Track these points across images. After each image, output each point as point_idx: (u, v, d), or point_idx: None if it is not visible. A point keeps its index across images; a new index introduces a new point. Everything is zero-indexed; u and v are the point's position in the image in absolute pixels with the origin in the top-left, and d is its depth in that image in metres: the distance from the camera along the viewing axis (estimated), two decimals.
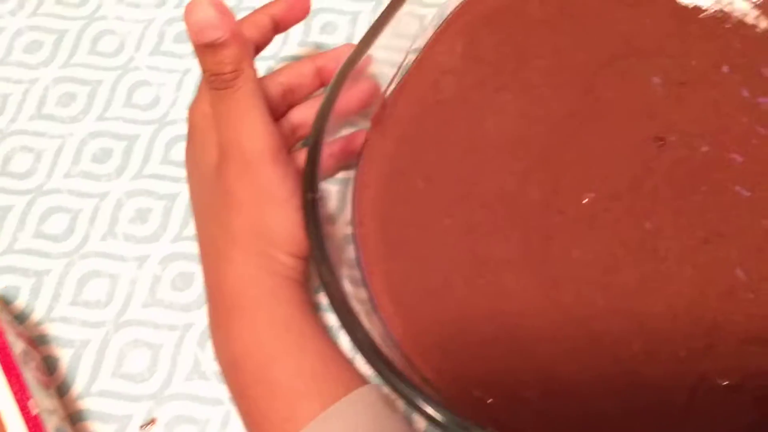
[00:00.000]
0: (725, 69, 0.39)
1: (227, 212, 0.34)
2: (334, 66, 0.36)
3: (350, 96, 0.36)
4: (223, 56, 0.32)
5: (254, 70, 0.34)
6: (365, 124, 0.38)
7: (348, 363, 0.34)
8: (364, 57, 0.36)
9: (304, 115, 0.37)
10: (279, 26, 0.37)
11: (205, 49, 0.33)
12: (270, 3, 0.37)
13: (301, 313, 0.34)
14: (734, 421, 0.32)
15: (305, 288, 0.35)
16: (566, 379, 0.33)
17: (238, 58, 0.33)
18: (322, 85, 0.38)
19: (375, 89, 0.37)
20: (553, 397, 0.33)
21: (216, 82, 0.33)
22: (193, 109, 0.36)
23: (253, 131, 0.33)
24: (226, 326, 0.34)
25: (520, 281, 0.35)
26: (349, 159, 0.37)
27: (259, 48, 0.36)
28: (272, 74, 0.38)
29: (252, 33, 0.36)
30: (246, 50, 0.33)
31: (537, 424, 0.32)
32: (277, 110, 0.37)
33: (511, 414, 0.32)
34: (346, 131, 0.37)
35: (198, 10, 0.32)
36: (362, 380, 0.34)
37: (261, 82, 0.35)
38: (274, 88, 0.37)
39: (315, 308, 0.36)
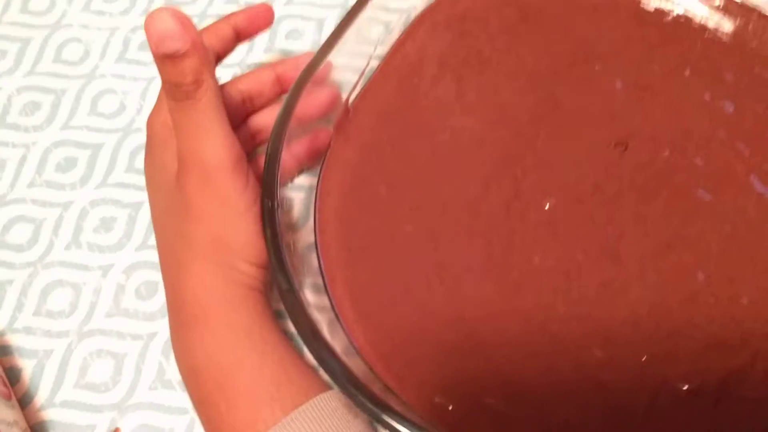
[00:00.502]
0: (687, 73, 0.39)
1: (187, 223, 0.34)
2: (294, 73, 0.36)
3: (310, 103, 0.36)
4: (183, 67, 0.32)
5: (215, 81, 0.33)
6: (328, 128, 0.38)
7: (310, 370, 0.34)
8: (323, 64, 0.35)
9: (263, 121, 0.38)
10: (241, 36, 0.37)
11: (165, 60, 0.32)
12: (233, 13, 0.37)
13: (262, 321, 0.34)
14: (694, 425, 0.32)
15: (266, 296, 0.35)
16: (527, 385, 0.33)
17: (198, 69, 0.32)
18: (282, 92, 0.38)
19: (336, 96, 0.37)
20: (514, 404, 0.33)
21: (176, 93, 0.33)
22: (152, 118, 0.36)
23: (213, 143, 0.33)
24: (187, 336, 0.34)
25: (482, 287, 0.35)
26: (313, 159, 0.37)
27: (220, 57, 0.36)
28: (232, 81, 0.37)
29: (213, 43, 0.35)
30: (207, 61, 0.33)
31: (498, 431, 0.32)
32: (237, 117, 0.37)
33: (472, 420, 0.32)
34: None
35: (158, 21, 0.31)
36: (324, 386, 0.34)
37: (221, 90, 0.35)
38: (234, 95, 0.37)
39: (276, 316, 0.36)
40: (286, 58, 0.40)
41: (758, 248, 0.35)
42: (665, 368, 0.33)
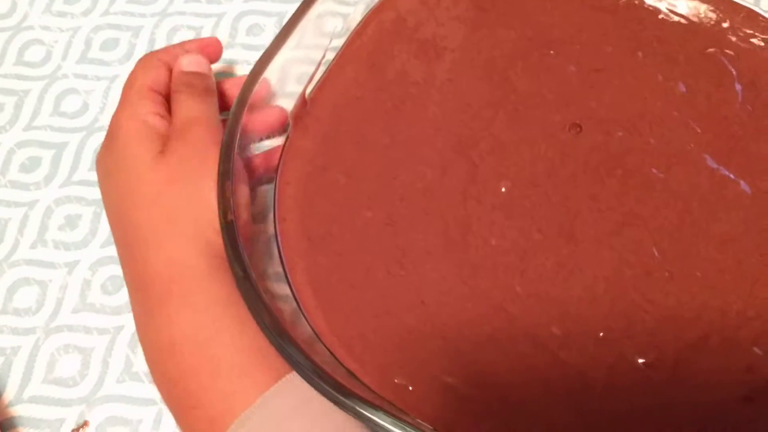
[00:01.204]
0: (640, 55, 0.40)
1: (162, 197, 0.34)
2: (235, 93, 0.38)
3: (254, 123, 0.36)
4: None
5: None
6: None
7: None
8: (258, 84, 0.36)
9: None
10: None
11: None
12: (187, 41, 0.40)
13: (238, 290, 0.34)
14: (651, 398, 0.33)
15: None
16: (487, 363, 0.33)
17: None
18: (225, 109, 0.39)
19: (281, 115, 0.38)
20: (474, 382, 0.33)
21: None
22: (119, 115, 0.37)
23: (211, 122, 0.37)
24: (160, 313, 0.33)
25: (440, 270, 0.35)
26: (270, 171, 0.38)
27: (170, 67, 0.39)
28: None
29: (168, 61, 0.39)
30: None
31: (458, 409, 0.33)
32: None
33: (432, 400, 0.33)
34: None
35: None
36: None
37: None
38: None
39: None
40: (229, 77, 0.41)
41: (711, 223, 0.35)
42: (622, 343, 0.34)
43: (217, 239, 0.33)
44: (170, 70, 0.38)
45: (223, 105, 0.40)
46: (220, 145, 0.34)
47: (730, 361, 0.33)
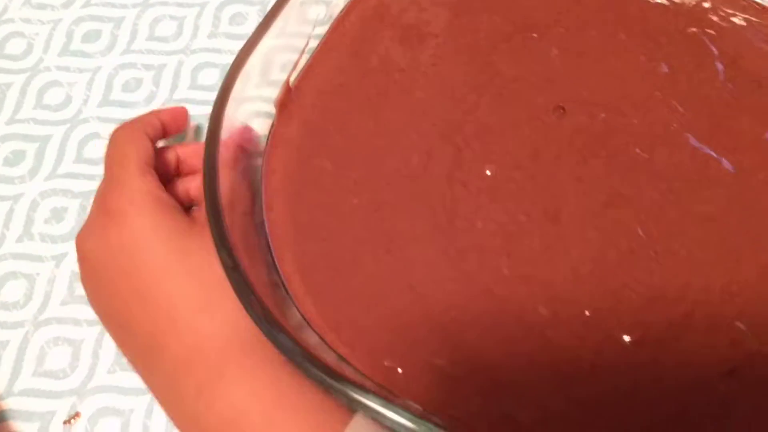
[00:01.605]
0: (622, 37, 0.40)
1: (206, 269, 0.33)
2: (193, 160, 0.38)
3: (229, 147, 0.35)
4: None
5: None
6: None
7: (322, 396, 0.32)
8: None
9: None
10: (167, 132, 0.39)
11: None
12: (158, 110, 0.40)
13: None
14: (638, 375, 0.33)
15: None
16: (475, 345, 0.34)
17: None
18: (179, 174, 0.39)
19: (249, 133, 0.38)
20: (462, 364, 0.34)
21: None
22: (132, 195, 0.34)
23: None
24: (219, 383, 0.31)
25: (427, 254, 0.35)
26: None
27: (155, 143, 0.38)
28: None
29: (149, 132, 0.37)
30: None
31: (447, 390, 0.33)
32: None
33: (422, 381, 0.33)
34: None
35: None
36: (344, 412, 0.32)
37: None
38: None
39: None
40: (187, 143, 0.41)
41: (694, 202, 0.36)
42: (608, 322, 0.34)
43: None
44: (153, 143, 0.37)
45: (185, 170, 0.39)
46: None
47: (714, 336, 0.33)
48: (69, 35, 0.44)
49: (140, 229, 0.34)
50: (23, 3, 0.45)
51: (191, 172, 0.39)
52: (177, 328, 0.32)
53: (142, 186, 0.35)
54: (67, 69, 0.44)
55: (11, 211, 0.40)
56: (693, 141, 0.37)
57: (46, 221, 0.40)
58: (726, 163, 0.37)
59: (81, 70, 0.44)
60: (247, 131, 0.38)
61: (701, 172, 0.36)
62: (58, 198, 0.40)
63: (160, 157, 0.38)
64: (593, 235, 0.36)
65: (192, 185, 0.38)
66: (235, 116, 0.36)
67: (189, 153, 0.39)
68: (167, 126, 0.39)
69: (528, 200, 0.36)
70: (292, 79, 0.39)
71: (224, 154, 0.34)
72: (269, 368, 0.32)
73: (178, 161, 0.39)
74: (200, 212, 0.36)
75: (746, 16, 0.40)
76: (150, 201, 0.34)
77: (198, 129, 0.42)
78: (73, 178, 0.41)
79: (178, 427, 0.33)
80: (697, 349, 0.33)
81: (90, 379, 0.37)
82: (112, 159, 0.36)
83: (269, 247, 0.36)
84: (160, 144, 0.39)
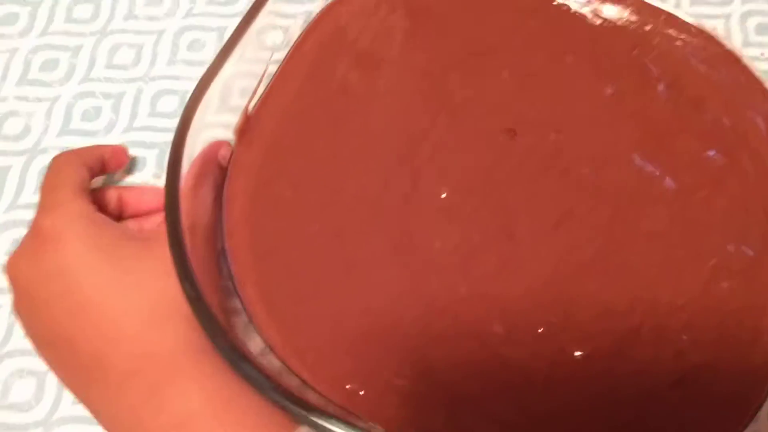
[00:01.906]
0: (569, 59, 0.42)
1: (152, 284, 0.33)
2: (135, 202, 0.39)
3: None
4: None
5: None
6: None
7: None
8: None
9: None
10: (107, 167, 0.40)
11: None
12: (99, 146, 0.41)
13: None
14: (590, 389, 0.35)
15: None
16: (434, 364, 0.35)
17: None
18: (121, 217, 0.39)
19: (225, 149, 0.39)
20: (422, 382, 0.35)
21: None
22: (66, 217, 0.34)
23: None
24: (170, 386, 0.32)
25: (387, 277, 0.36)
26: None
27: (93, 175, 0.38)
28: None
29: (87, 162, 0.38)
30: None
31: (408, 409, 0.34)
32: None
33: (383, 402, 0.34)
34: None
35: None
36: (291, 423, 0.33)
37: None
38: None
39: None
40: (132, 186, 0.42)
41: (640, 218, 0.37)
42: (561, 337, 0.35)
43: None
44: (91, 173, 0.38)
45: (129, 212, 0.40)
46: None
47: (661, 349, 0.35)
48: (27, 64, 0.45)
49: (76, 249, 0.33)
50: None
51: (135, 215, 0.39)
52: (122, 344, 0.32)
53: (76, 208, 0.34)
54: (25, 99, 0.44)
55: None
56: (638, 160, 0.39)
57: (8, 253, 0.40)
58: (668, 181, 0.38)
59: (40, 100, 0.44)
60: (223, 147, 0.38)
61: (646, 190, 0.38)
62: (19, 229, 0.40)
63: (101, 196, 0.38)
64: (545, 252, 0.37)
65: (145, 225, 0.39)
66: (195, 144, 0.37)
67: (133, 196, 0.39)
68: (107, 161, 0.39)
69: (483, 220, 0.38)
70: (251, 106, 0.40)
71: (184, 182, 0.35)
72: (219, 375, 0.32)
73: (121, 203, 0.39)
74: (157, 230, 0.36)
75: (684, 37, 0.42)
76: (85, 222, 0.34)
77: (160, 155, 0.43)
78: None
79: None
80: (645, 360, 0.35)
81: (55, 410, 0.37)
82: (45, 186, 0.36)
83: (230, 273, 0.37)
84: (100, 181, 0.40)
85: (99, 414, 0.33)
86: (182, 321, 0.32)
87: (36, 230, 0.34)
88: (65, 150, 0.39)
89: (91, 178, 0.38)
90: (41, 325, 0.34)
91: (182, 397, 0.31)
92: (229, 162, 0.39)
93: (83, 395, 0.34)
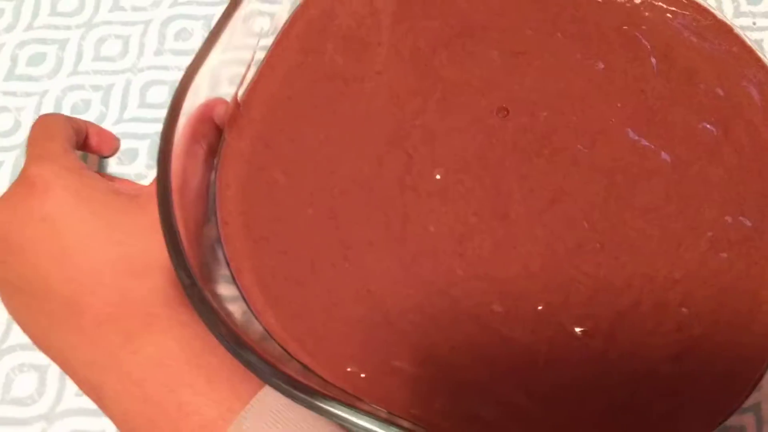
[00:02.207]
0: (559, 36, 0.41)
1: (136, 238, 0.34)
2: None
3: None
4: None
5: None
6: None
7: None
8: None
9: None
10: (88, 144, 0.40)
11: None
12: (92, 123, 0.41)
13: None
14: (590, 365, 0.35)
15: None
16: (433, 346, 0.35)
17: None
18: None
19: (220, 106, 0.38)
20: (422, 364, 0.35)
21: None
22: (57, 168, 0.34)
23: None
24: (147, 333, 0.32)
25: (383, 260, 0.36)
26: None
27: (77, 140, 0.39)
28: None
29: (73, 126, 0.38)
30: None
31: (409, 391, 0.34)
32: None
33: (384, 384, 0.34)
34: None
35: None
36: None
37: None
38: None
39: None
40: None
41: (634, 193, 0.37)
42: (560, 315, 0.35)
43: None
44: (77, 136, 0.38)
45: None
46: None
47: (660, 323, 0.35)
48: (13, 59, 0.44)
49: (62, 198, 0.33)
50: None
51: None
52: (101, 288, 0.33)
53: (65, 160, 0.35)
54: (14, 94, 0.43)
55: None
56: (631, 134, 0.39)
57: None
58: (663, 155, 0.38)
59: (28, 94, 0.43)
60: (218, 105, 0.38)
61: (640, 164, 0.38)
62: None
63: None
64: (541, 231, 0.37)
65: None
66: (185, 132, 0.36)
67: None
68: (90, 136, 0.40)
69: (477, 201, 0.37)
70: (239, 93, 0.39)
71: (176, 167, 0.35)
72: (195, 325, 0.33)
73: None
74: (146, 188, 0.36)
75: (675, 9, 0.42)
76: (74, 175, 0.34)
77: (151, 146, 0.42)
78: None
79: (93, 384, 0.32)
80: (645, 335, 0.35)
81: (58, 403, 0.37)
82: (34, 138, 0.36)
83: (226, 260, 0.37)
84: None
85: (68, 359, 0.33)
86: (161, 274, 0.33)
87: (22, 178, 0.34)
88: None
89: (76, 143, 0.38)
90: (12, 271, 0.34)
91: (159, 340, 0.32)
92: (219, 150, 0.39)
93: (52, 340, 0.34)
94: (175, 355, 0.32)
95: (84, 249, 0.33)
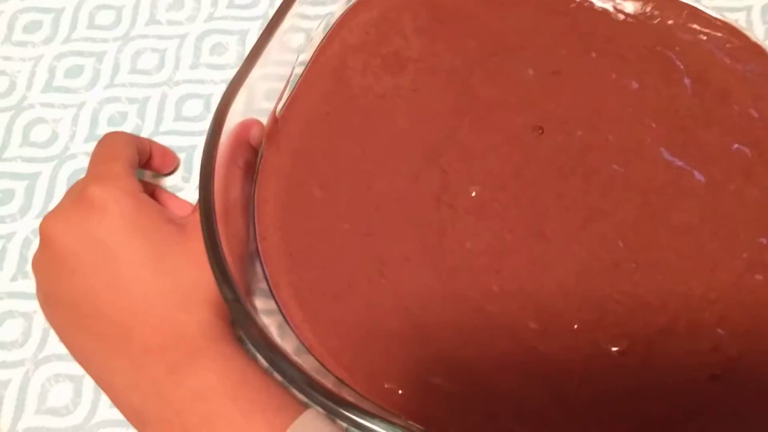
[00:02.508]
0: (594, 55, 0.42)
1: (184, 268, 0.35)
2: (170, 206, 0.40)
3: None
4: None
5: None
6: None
7: (283, 390, 0.34)
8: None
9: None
10: (150, 164, 0.41)
11: None
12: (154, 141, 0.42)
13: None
14: (626, 383, 0.35)
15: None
16: (470, 362, 0.35)
17: None
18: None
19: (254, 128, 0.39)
20: (459, 381, 0.35)
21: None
22: (117, 190, 0.35)
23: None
24: (192, 364, 0.33)
25: (420, 276, 0.37)
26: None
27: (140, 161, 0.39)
28: None
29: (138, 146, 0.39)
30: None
31: (446, 408, 0.34)
32: None
33: (421, 401, 0.34)
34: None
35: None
36: (301, 406, 0.34)
37: None
38: None
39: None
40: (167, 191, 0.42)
41: (670, 213, 0.38)
42: (595, 333, 0.36)
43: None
44: (140, 157, 0.39)
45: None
46: None
47: (696, 343, 0.35)
48: (51, 71, 0.45)
49: (121, 224, 0.34)
50: (2, 41, 0.45)
51: None
52: (152, 319, 0.33)
53: (126, 186, 0.35)
54: (51, 105, 0.44)
55: (4, 249, 0.40)
56: (666, 154, 0.39)
57: None
58: (698, 175, 0.38)
59: (65, 106, 0.44)
60: (253, 127, 0.39)
61: (675, 184, 0.38)
62: None
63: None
64: (576, 249, 0.37)
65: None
66: (223, 150, 0.37)
67: (169, 201, 0.40)
68: (154, 157, 0.41)
69: (513, 218, 0.38)
70: (278, 109, 0.40)
71: (218, 184, 0.35)
72: (237, 358, 0.34)
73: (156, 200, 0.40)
74: (192, 217, 0.36)
75: (709, 31, 0.42)
76: (133, 200, 0.35)
77: (187, 159, 0.43)
78: None
79: (134, 408, 0.33)
80: (681, 355, 0.35)
81: (93, 414, 0.37)
82: (98, 157, 0.37)
83: (265, 274, 0.37)
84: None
85: (112, 381, 0.34)
86: (209, 308, 0.34)
87: (82, 197, 0.35)
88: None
89: (138, 164, 0.38)
90: (63, 287, 0.34)
91: (201, 373, 0.33)
92: (258, 165, 0.39)
93: (96, 359, 0.34)
94: (215, 389, 0.32)
95: (137, 277, 0.34)
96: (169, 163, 0.41)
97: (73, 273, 0.34)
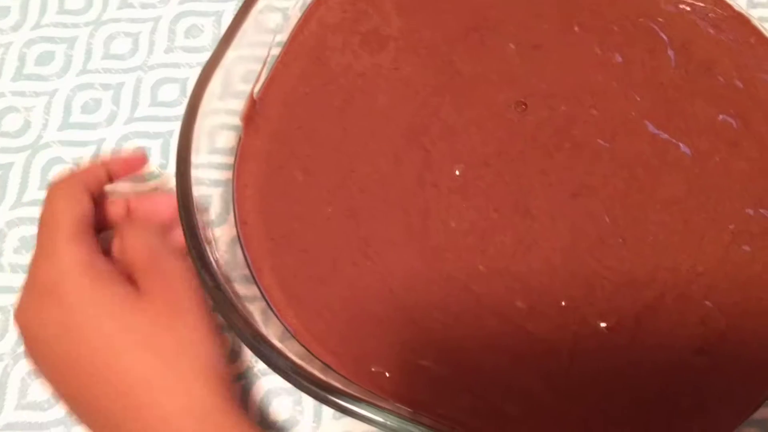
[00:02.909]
0: (576, 29, 0.41)
1: (155, 339, 0.32)
2: (145, 213, 0.37)
3: None
4: None
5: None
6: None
7: None
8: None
9: None
10: (112, 178, 0.38)
11: None
12: (110, 159, 0.38)
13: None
14: (615, 359, 0.34)
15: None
16: (458, 343, 0.35)
17: None
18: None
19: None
20: (447, 362, 0.34)
21: None
22: (62, 266, 0.32)
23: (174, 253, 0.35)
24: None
25: (405, 257, 0.36)
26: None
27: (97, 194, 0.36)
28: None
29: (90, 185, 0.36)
30: None
31: (435, 389, 0.34)
32: None
33: (409, 383, 0.34)
34: None
35: None
36: None
37: None
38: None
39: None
40: (141, 194, 0.40)
41: (656, 187, 0.37)
42: (584, 310, 0.35)
43: (225, 370, 0.33)
44: (93, 196, 0.35)
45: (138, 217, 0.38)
46: (191, 274, 0.33)
47: (684, 316, 0.35)
48: (21, 59, 0.44)
49: (78, 304, 0.32)
50: None
51: (146, 219, 0.37)
52: (135, 407, 0.31)
53: (73, 256, 0.33)
54: (22, 94, 0.43)
55: None
56: (651, 128, 0.38)
57: (15, 251, 0.39)
58: (683, 147, 0.38)
59: (37, 94, 0.43)
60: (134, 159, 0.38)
61: (661, 157, 0.38)
62: (26, 227, 0.40)
63: (107, 212, 0.36)
64: (563, 226, 0.37)
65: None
66: (201, 132, 0.36)
67: (144, 206, 0.37)
68: (116, 173, 0.38)
69: (498, 196, 0.37)
70: (255, 90, 0.39)
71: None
72: (226, 419, 0.31)
73: (130, 213, 0.37)
74: (177, 236, 0.35)
75: (692, 1, 0.41)
76: (83, 272, 0.32)
77: (164, 144, 0.42)
78: (38, 206, 0.40)
79: None
80: (669, 329, 0.35)
81: None
82: (41, 227, 0.34)
83: (246, 260, 0.37)
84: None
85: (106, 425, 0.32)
86: (191, 377, 0.32)
87: (33, 280, 0.33)
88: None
89: (95, 197, 0.35)
90: (56, 377, 0.33)
91: None
92: (237, 149, 0.38)
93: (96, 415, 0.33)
94: None
95: (109, 362, 0.32)
96: (138, 164, 0.39)
97: (55, 364, 0.32)
